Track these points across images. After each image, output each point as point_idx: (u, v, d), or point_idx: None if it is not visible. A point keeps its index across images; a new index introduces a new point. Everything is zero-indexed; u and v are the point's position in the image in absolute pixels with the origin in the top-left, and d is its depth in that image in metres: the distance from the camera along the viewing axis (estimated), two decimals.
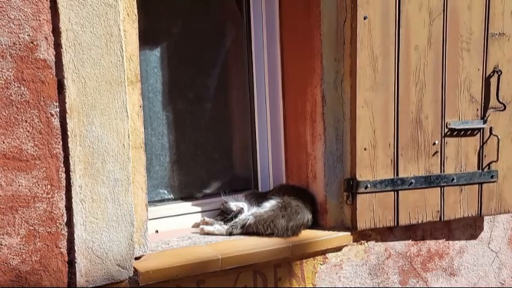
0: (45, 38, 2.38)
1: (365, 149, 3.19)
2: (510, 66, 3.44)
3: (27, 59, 2.36)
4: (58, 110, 2.43)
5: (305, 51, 3.29)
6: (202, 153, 3.56)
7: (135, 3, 2.62)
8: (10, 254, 2.40)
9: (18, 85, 2.35)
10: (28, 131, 2.38)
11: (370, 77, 3.14)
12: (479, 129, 3.43)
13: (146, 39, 3.16)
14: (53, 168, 2.45)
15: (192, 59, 3.49)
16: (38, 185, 2.42)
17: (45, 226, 2.46)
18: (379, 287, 3.48)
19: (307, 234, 3.21)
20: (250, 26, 3.54)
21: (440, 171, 3.37)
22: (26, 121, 2.37)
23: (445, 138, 3.36)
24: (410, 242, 3.55)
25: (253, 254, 2.95)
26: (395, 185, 3.26)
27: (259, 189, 3.62)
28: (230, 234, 3.17)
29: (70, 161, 2.46)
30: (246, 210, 3.24)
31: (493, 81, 3.42)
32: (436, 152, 3.35)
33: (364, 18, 3.09)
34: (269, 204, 3.22)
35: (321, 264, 3.26)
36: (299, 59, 3.35)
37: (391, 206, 3.28)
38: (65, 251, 2.51)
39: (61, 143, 2.45)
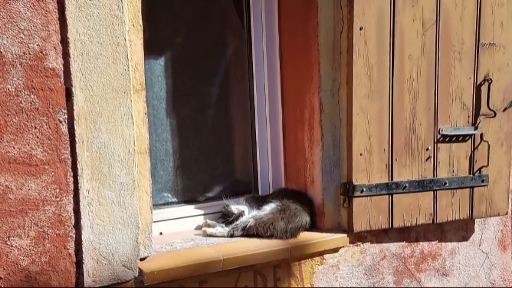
0: (54, 47, 2.38)
1: (361, 154, 3.18)
2: (500, 74, 3.44)
3: (37, 67, 2.35)
4: (66, 116, 2.43)
5: (303, 61, 3.29)
6: (204, 158, 3.56)
7: (140, 14, 2.62)
8: (20, 255, 2.39)
9: (28, 93, 2.35)
10: (37, 137, 2.38)
11: (365, 85, 3.14)
12: (470, 135, 3.43)
13: (151, 49, 3.17)
14: (62, 173, 2.44)
15: (195, 68, 3.49)
16: (47, 188, 2.42)
17: (53, 228, 2.45)
18: (375, 287, 3.47)
19: (305, 236, 3.20)
20: (251, 36, 3.54)
21: (433, 176, 3.37)
22: (35, 127, 2.37)
23: (438, 144, 3.36)
24: (404, 243, 3.54)
25: (254, 255, 2.95)
26: (390, 188, 3.26)
27: (260, 193, 3.61)
28: (231, 236, 3.17)
29: (78, 166, 2.45)
30: (247, 213, 3.24)
31: (484, 89, 3.42)
32: (429, 157, 3.34)
33: (360, 28, 3.09)
34: (269, 207, 3.21)
35: (318, 264, 3.25)
36: (297, 67, 3.35)
37: (385, 209, 3.28)
38: (73, 252, 2.51)
39: (69, 148, 2.45)
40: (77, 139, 2.44)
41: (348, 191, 3.23)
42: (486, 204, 3.54)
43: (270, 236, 3.12)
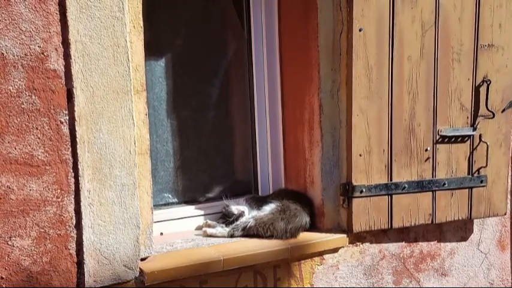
0: (55, 49, 2.38)
1: (360, 155, 3.18)
2: (499, 76, 3.44)
3: (38, 69, 2.36)
4: (67, 117, 2.43)
5: (303, 62, 3.29)
6: (204, 159, 3.56)
7: (140, 15, 2.63)
8: (22, 255, 2.40)
9: (30, 94, 2.35)
10: (39, 138, 2.38)
11: (365, 86, 3.14)
12: (469, 136, 3.43)
13: (151, 50, 3.17)
14: (63, 173, 2.44)
15: (195, 69, 3.49)
16: (48, 189, 2.42)
17: (55, 228, 2.45)
18: (374, 287, 3.47)
19: (305, 236, 3.20)
20: (251, 38, 3.54)
21: (432, 176, 3.37)
22: (36, 128, 2.37)
23: (437, 145, 3.36)
24: (403, 243, 3.54)
25: (254, 255, 2.95)
26: (389, 189, 3.26)
27: (260, 193, 3.61)
28: (232, 236, 3.17)
29: (79, 167, 2.45)
30: (247, 214, 3.24)
31: (483, 90, 3.42)
32: (428, 158, 3.35)
33: (360, 30, 3.09)
34: (269, 208, 3.21)
35: (318, 265, 3.25)
36: (297, 69, 3.35)
37: (385, 210, 3.28)
38: (74, 253, 2.51)
39: (70, 149, 2.45)
40: (78, 140, 2.44)
41: (348, 191, 3.23)
42: (485, 204, 3.55)
43: (270, 236, 3.12)
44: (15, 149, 2.34)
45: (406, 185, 3.30)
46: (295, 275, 3.19)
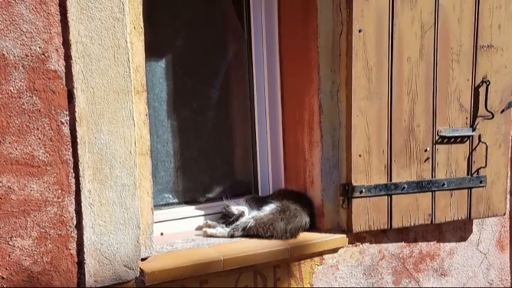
0: (56, 50, 2.38)
1: (360, 156, 3.18)
2: (498, 76, 3.44)
3: (39, 70, 2.36)
4: (68, 118, 2.43)
5: (303, 63, 3.29)
6: (205, 159, 3.56)
7: (141, 16, 2.63)
8: (22, 255, 2.39)
9: (30, 95, 2.35)
10: (40, 138, 2.38)
11: (365, 87, 3.14)
12: (468, 137, 3.43)
13: (152, 51, 3.17)
14: (63, 174, 2.44)
15: (196, 70, 3.49)
16: (49, 189, 2.42)
17: (55, 229, 2.45)
18: (374, 287, 3.47)
19: (305, 236, 3.20)
20: (251, 39, 3.54)
21: (432, 177, 3.37)
22: (37, 129, 2.37)
23: (436, 145, 3.36)
24: (403, 243, 3.54)
25: (254, 256, 2.95)
26: (389, 189, 3.26)
27: (260, 194, 3.61)
28: (232, 236, 3.17)
29: (79, 167, 2.45)
30: (247, 214, 3.24)
31: (482, 91, 3.42)
32: (427, 158, 3.34)
33: (359, 31, 3.09)
34: (269, 208, 3.21)
35: (318, 265, 3.25)
36: (297, 70, 3.35)
37: (384, 210, 3.27)
38: (75, 253, 2.51)
39: (71, 149, 2.45)
40: (78, 140, 2.44)
41: (347, 191, 3.23)
42: (484, 204, 3.55)
43: (270, 237, 3.12)
44: (16, 149, 2.34)
45: (406, 186, 3.30)
46: (295, 275, 3.19)
